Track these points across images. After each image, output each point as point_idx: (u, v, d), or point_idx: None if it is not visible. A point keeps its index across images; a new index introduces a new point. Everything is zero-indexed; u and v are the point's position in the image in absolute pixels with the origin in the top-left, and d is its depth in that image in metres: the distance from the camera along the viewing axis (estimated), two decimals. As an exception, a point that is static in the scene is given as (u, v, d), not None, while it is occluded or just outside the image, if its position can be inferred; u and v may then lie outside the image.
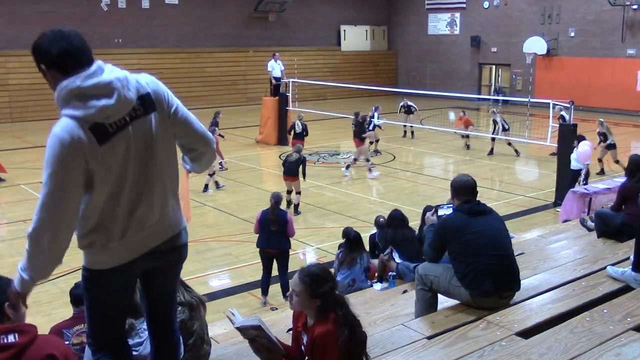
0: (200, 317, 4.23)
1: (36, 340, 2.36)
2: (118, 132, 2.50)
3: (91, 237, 2.66)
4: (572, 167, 12.46)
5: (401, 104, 21.29)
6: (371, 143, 17.89)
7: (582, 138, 12.64)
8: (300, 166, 12.22)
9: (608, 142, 14.88)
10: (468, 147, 19.21)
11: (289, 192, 12.55)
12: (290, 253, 8.55)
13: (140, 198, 2.64)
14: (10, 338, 2.31)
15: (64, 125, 2.43)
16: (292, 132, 16.49)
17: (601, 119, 15.52)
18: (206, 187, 13.84)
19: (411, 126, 21.05)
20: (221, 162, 15.69)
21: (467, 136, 19.37)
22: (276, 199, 8.36)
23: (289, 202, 12.62)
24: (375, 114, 17.81)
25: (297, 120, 16.51)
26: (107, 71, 2.50)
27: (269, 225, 8.21)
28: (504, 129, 17.64)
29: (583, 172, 12.24)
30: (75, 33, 2.51)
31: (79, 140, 2.42)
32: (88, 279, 2.77)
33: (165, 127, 2.65)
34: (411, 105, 20.86)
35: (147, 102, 2.58)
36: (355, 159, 15.48)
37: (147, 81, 2.63)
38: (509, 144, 17.92)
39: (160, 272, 2.90)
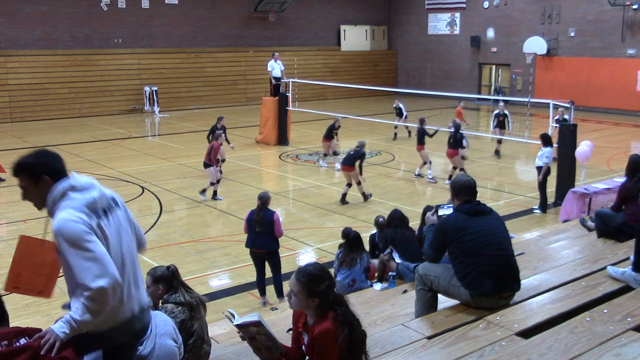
0: (200, 317, 4.24)
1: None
2: (104, 217, 3.09)
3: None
4: (536, 165, 12.45)
5: (394, 105, 21.32)
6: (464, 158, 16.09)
7: (548, 137, 12.51)
8: (358, 159, 12.89)
9: None
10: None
11: (349, 184, 12.96)
12: (280, 253, 8.48)
13: (131, 270, 3.19)
14: (22, 341, 2.33)
15: (68, 211, 2.95)
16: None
17: None
18: (204, 191, 13.43)
19: (406, 126, 21.09)
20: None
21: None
22: (262, 199, 8.29)
23: (344, 195, 12.98)
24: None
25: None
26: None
27: (254, 226, 8.22)
28: (504, 127, 17.75)
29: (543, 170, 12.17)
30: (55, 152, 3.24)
31: (85, 216, 2.95)
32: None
33: (127, 222, 3.30)
34: (401, 108, 20.84)
35: (116, 201, 3.28)
36: (461, 169, 14.65)
37: (111, 191, 3.31)
38: (499, 141, 17.98)
39: (129, 349, 3.29)
